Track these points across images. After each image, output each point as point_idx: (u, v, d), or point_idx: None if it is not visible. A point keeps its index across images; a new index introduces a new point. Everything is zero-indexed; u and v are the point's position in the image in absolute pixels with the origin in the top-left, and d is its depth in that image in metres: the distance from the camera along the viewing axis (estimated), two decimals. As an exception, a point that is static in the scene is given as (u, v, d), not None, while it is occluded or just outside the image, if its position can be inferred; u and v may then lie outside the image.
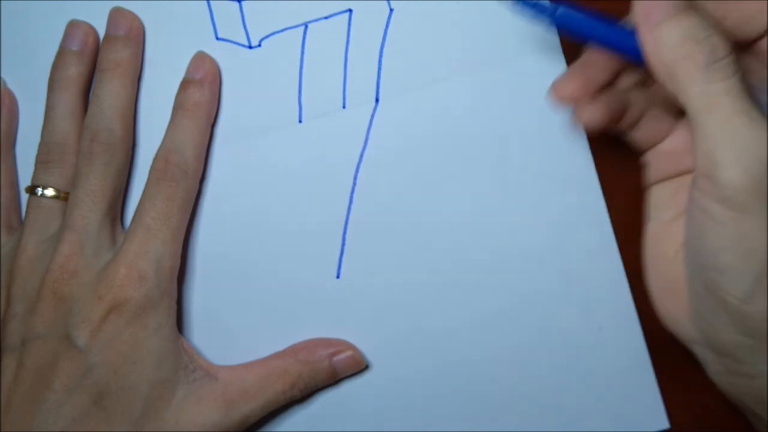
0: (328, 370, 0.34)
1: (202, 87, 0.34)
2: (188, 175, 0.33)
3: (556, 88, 0.30)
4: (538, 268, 0.34)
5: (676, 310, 0.30)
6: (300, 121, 0.35)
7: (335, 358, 0.34)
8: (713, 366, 0.29)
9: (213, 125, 0.35)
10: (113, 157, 0.33)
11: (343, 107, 0.35)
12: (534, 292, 0.34)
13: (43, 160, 0.35)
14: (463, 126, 0.34)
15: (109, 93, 0.34)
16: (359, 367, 0.35)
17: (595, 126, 0.29)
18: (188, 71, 0.35)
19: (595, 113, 0.29)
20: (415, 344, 0.35)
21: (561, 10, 0.28)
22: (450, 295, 0.35)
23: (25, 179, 0.36)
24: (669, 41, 0.25)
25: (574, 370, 0.34)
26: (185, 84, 0.34)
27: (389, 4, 0.34)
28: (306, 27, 0.34)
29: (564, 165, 0.34)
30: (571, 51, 0.33)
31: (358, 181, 0.35)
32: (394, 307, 0.35)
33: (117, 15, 0.35)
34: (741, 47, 0.26)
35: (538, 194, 0.34)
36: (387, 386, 0.35)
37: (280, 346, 0.35)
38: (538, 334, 0.34)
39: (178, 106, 0.34)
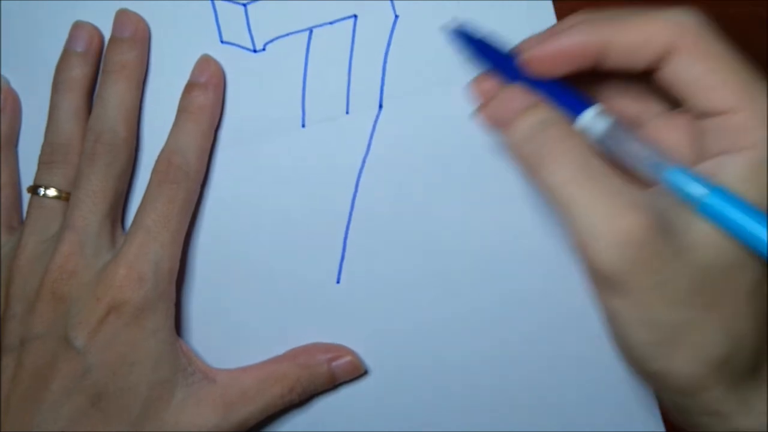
0: (327, 374, 0.34)
1: (207, 90, 0.34)
2: (190, 178, 0.33)
3: (476, 81, 0.30)
4: (538, 273, 0.34)
5: None
6: (303, 126, 0.35)
7: (334, 363, 0.34)
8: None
9: (216, 129, 0.35)
10: (116, 159, 0.33)
11: (347, 112, 0.35)
12: (534, 297, 0.34)
13: (46, 161, 0.35)
14: (465, 132, 0.34)
15: (114, 95, 0.34)
16: (358, 372, 0.35)
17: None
18: (193, 74, 0.35)
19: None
20: (414, 350, 0.35)
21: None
22: (450, 301, 0.35)
23: (26, 179, 0.36)
24: (514, 141, 0.26)
25: (571, 372, 0.34)
26: (190, 87, 0.34)
27: (394, 11, 0.34)
28: (311, 32, 0.34)
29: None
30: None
31: (359, 187, 0.35)
32: (394, 313, 0.35)
33: (123, 17, 0.35)
34: (635, 77, 0.26)
35: (540, 199, 0.34)
36: (385, 392, 0.35)
37: (280, 349, 0.35)
38: (536, 338, 0.34)
39: (182, 109, 0.34)
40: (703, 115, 0.23)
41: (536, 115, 0.26)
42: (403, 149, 0.35)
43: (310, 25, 0.34)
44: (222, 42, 0.35)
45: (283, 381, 0.34)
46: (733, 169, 0.23)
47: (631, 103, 0.28)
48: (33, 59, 0.36)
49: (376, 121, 0.35)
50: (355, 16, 0.34)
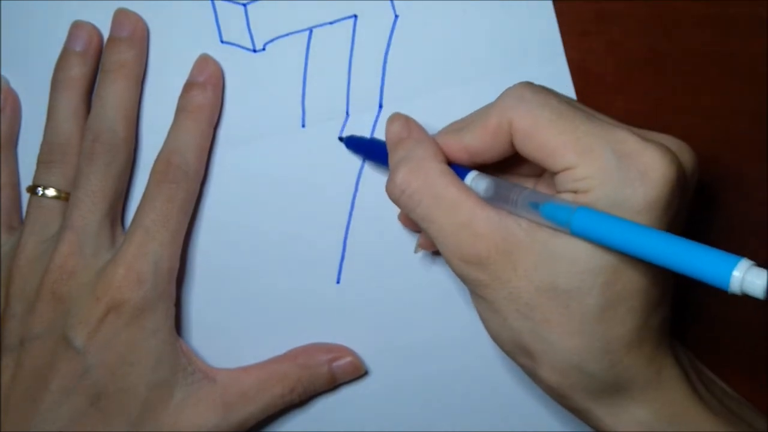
0: (328, 375, 0.34)
1: (205, 90, 0.34)
2: (189, 177, 0.33)
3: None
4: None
5: None
6: (303, 126, 0.35)
7: (334, 364, 0.34)
8: None
9: (216, 128, 0.35)
10: (115, 158, 0.33)
11: (347, 113, 0.35)
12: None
13: (44, 160, 0.34)
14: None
15: (113, 94, 0.34)
16: (358, 372, 0.35)
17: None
18: (192, 74, 0.35)
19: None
20: (414, 350, 0.35)
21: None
22: (449, 302, 0.35)
23: (26, 179, 0.36)
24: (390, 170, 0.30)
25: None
26: (188, 86, 0.34)
27: (394, 11, 0.34)
28: (311, 32, 0.34)
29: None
30: (574, 57, 0.34)
31: (359, 187, 0.35)
32: (394, 313, 0.35)
33: (121, 16, 0.35)
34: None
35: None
36: (385, 392, 0.35)
37: (280, 350, 0.35)
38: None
39: (181, 109, 0.34)
40: (553, 173, 0.26)
41: (399, 152, 0.30)
42: (403, 149, 0.35)
43: (310, 25, 0.34)
44: (222, 42, 0.35)
45: (284, 381, 0.34)
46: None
47: (524, 166, 0.31)
48: (33, 59, 0.36)
49: (376, 121, 0.35)
50: (355, 16, 0.34)
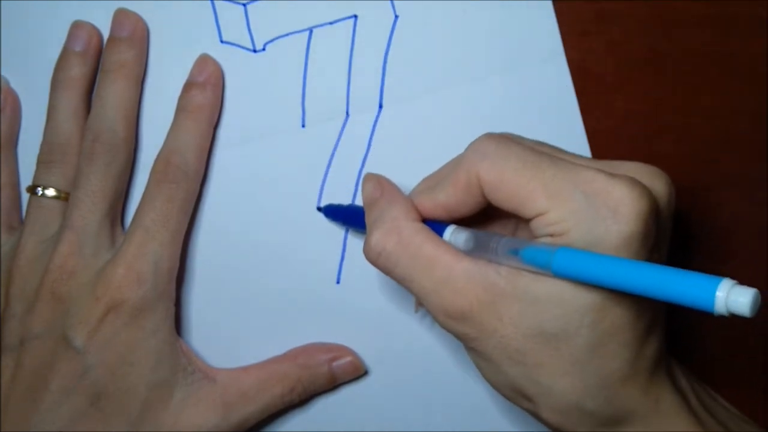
0: (328, 375, 0.34)
1: (205, 89, 0.34)
2: (189, 177, 0.33)
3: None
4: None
5: None
6: (303, 126, 0.35)
7: (334, 364, 0.34)
8: None
9: (216, 128, 0.35)
10: (115, 158, 0.33)
11: (347, 113, 0.35)
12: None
13: (44, 160, 0.34)
14: (465, 133, 0.34)
15: (113, 94, 0.34)
16: (358, 372, 0.35)
17: None
18: (191, 74, 0.35)
19: None
20: (414, 350, 0.35)
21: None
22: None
23: (26, 179, 0.36)
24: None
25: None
26: (188, 86, 0.34)
27: (394, 11, 0.34)
28: (311, 32, 0.34)
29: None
30: (574, 57, 0.34)
31: (359, 187, 0.35)
32: (394, 313, 0.35)
33: (121, 16, 0.35)
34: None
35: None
36: (386, 392, 0.35)
37: (280, 350, 0.35)
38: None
39: (181, 108, 0.34)
40: (527, 220, 0.26)
41: (372, 214, 0.30)
42: (403, 149, 0.35)
43: (310, 25, 0.34)
44: (222, 42, 0.35)
45: (284, 381, 0.34)
46: None
47: (502, 215, 0.31)
48: (33, 59, 0.36)
49: (375, 121, 0.35)
50: (355, 16, 0.34)
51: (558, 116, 0.34)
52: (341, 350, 0.35)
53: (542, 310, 0.26)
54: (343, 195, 0.35)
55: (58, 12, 0.35)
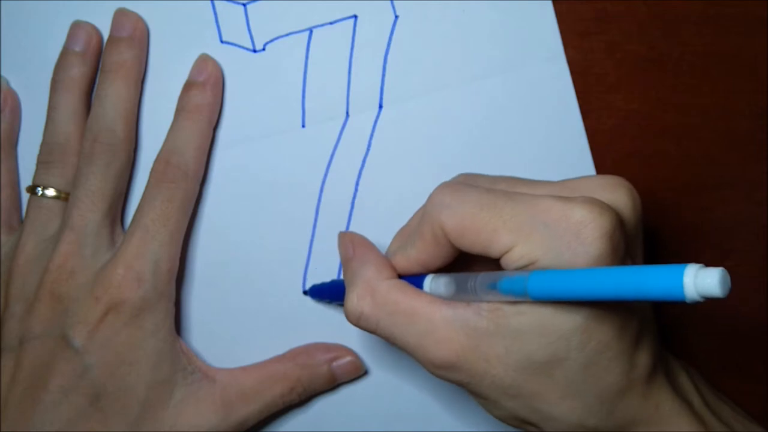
0: (327, 375, 0.34)
1: (205, 89, 0.34)
2: (188, 177, 0.33)
3: None
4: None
5: None
6: (303, 126, 0.35)
7: (334, 364, 0.34)
8: None
9: (216, 128, 0.35)
10: (114, 158, 0.33)
11: (347, 113, 0.35)
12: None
13: (44, 161, 0.34)
14: (465, 133, 0.34)
15: (112, 94, 0.34)
16: (358, 372, 0.35)
17: None
18: (191, 74, 0.35)
19: None
20: (413, 350, 0.35)
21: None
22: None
23: (26, 179, 0.36)
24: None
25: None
26: (188, 86, 0.34)
27: (394, 11, 0.34)
28: (311, 32, 0.34)
29: (566, 171, 0.34)
30: (575, 59, 0.34)
31: (359, 187, 0.35)
32: (394, 313, 0.35)
33: (121, 16, 0.35)
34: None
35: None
36: (386, 392, 0.35)
37: (280, 350, 0.35)
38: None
39: (180, 109, 0.34)
40: (497, 259, 0.26)
41: (346, 275, 0.31)
42: (403, 149, 0.35)
43: (310, 25, 0.34)
44: (222, 42, 0.35)
45: (284, 381, 0.34)
46: None
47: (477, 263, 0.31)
48: (33, 59, 0.36)
49: (376, 121, 0.35)
50: (355, 17, 0.34)
51: (558, 116, 0.34)
52: (341, 350, 0.35)
53: (528, 342, 0.26)
54: (343, 196, 0.35)
55: (58, 12, 0.35)
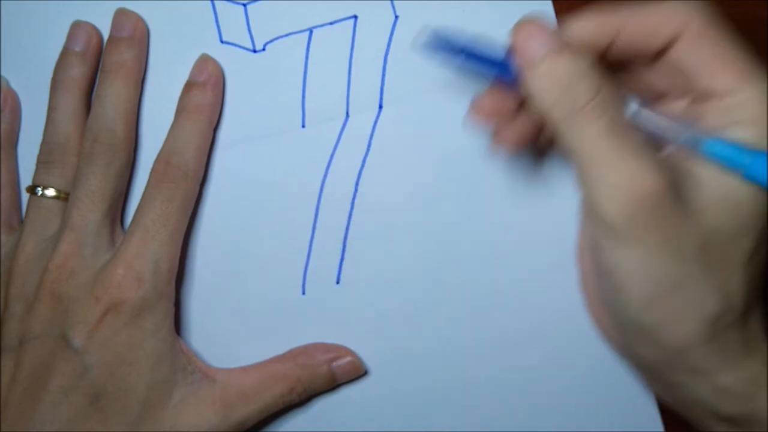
0: (327, 375, 0.34)
1: (205, 89, 0.34)
2: (188, 177, 0.33)
3: (475, 107, 0.30)
4: (537, 272, 0.34)
5: (604, 322, 0.32)
6: (303, 126, 0.35)
7: (334, 364, 0.34)
8: (643, 377, 0.30)
9: (216, 128, 0.35)
10: (114, 158, 0.33)
11: (347, 113, 0.35)
12: (534, 297, 0.34)
13: (44, 161, 0.34)
14: (465, 134, 0.34)
15: (112, 94, 0.34)
16: (358, 372, 0.35)
17: (513, 148, 0.30)
18: (192, 74, 0.35)
19: (513, 135, 0.30)
20: (414, 350, 0.35)
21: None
22: (449, 302, 0.35)
23: (26, 179, 0.36)
24: (540, 86, 0.26)
25: (570, 373, 0.34)
26: (188, 86, 0.34)
27: (394, 11, 0.34)
28: (311, 32, 0.34)
29: (566, 172, 0.34)
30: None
31: (359, 187, 0.35)
32: (394, 313, 0.35)
33: (121, 16, 0.35)
34: (644, 60, 0.27)
35: (541, 202, 0.34)
36: (385, 392, 0.35)
37: (280, 350, 0.35)
38: (536, 338, 0.34)
39: (181, 109, 0.34)
40: (704, 96, 0.25)
41: (565, 64, 0.26)
42: (403, 149, 0.35)
43: (310, 25, 0.34)
44: (222, 42, 0.35)
45: (284, 381, 0.34)
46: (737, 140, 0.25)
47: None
48: (33, 59, 0.36)
49: (375, 122, 0.35)
50: (355, 17, 0.34)
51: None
52: (341, 350, 0.35)
53: (728, 206, 0.25)
54: (342, 196, 0.35)
55: (58, 12, 0.35)
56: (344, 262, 0.35)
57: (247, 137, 0.35)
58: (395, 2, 0.34)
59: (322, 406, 0.35)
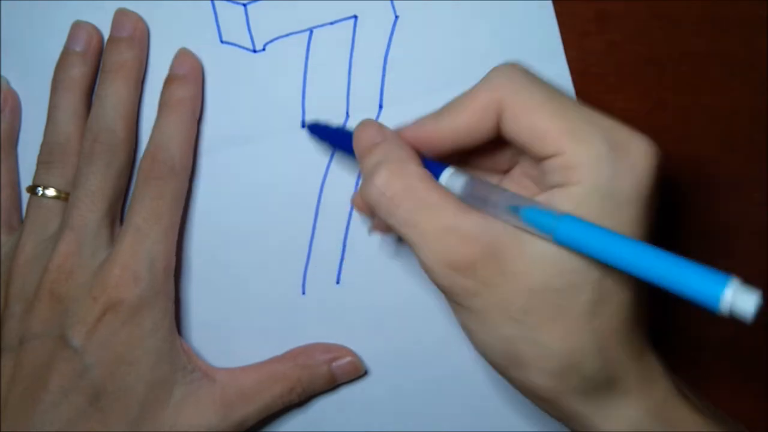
0: (327, 375, 0.34)
1: (185, 83, 0.34)
2: (176, 172, 0.33)
3: (353, 200, 0.32)
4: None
5: None
6: (303, 126, 0.35)
7: (334, 364, 0.34)
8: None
9: (215, 128, 0.35)
10: (114, 158, 0.33)
11: (347, 113, 0.35)
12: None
13: (44, 161, 0.34)
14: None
15: (112, 94, 0.34)
16: (358, 372, 0.35)
17: (387, 233, 0.32)
18: (171, 68, 0.34)
19: (382, 223, 0.31)
20: (413, 350, 0.35)
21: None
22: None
23: (26, 179, 0.36)
24: (363, 177, 0.28)
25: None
26: (168, 81, 0.34)
27: (394, 11, 0.34)
28: (311, 32, 0.34)
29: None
30: (574, 57, 0.34)
31: (359, 187, 0.35)
32: (393, 313, 0.35)
33: (122, 16, 0.35)
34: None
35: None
36: (385, 392, 0.35)
37: (280, 350, 0.35)
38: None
39: (163, 104, 0.34)
40: (539, 159, 0.25)
41: (376, 155, 0.28)
42: (403, 149, 0.35)
43: (310, 25, 0.34)
44: (222, 42, 0.35)
45: (283, 381, 0.34)
46: (562, 201, 0.25)
47: (490, 161, 0.30)
48: (33, 59, 0.36)
49: (376, 122, 0.35)
50: (356, 17, 0.34)
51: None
52: (341, 350, 0.35)
53: (548, 266, 0.25)
54: (342, 196, 0.35)
55: (58, 12, 0.35)
56: (344, 262, 0.35)
57: (248, 137, 0.35)
58: (395, 2, 0.34)
59: (322, 406, 0.35)
